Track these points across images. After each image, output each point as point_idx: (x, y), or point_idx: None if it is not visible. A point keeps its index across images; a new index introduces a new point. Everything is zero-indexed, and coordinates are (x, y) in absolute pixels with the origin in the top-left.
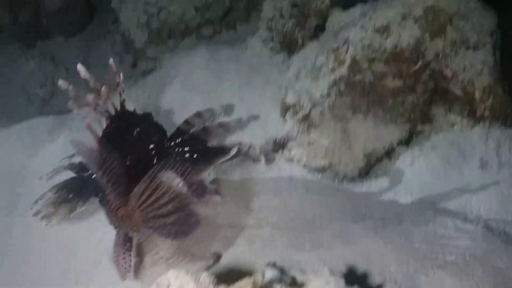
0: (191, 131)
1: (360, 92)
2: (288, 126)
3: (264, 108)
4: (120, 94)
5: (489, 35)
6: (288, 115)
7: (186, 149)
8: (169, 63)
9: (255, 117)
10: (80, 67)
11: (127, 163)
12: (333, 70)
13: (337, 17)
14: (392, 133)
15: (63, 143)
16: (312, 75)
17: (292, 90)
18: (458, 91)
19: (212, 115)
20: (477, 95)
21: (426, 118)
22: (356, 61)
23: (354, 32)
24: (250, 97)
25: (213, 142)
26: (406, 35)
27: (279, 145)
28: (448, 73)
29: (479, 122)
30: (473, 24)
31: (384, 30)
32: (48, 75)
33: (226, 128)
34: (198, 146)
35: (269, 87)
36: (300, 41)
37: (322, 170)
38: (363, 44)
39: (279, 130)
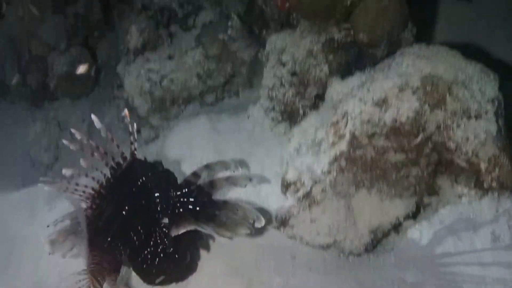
0: (198, 183)
1: (362, 167)
2: (289, 203)
3: (265, 184)
4: (131, 143)
5: (490, 102)
6: (289, 192)
7: (191, 199)
8: (171, 133)
9: (255, 193)
10: (74, 131)
11: (128, 211)
12: (333, 145)
13: (335, 88)
14: (398, 208)
15: (60, 212)
16: (313, 150)
17: (293, 167)
18: (462, 163)
19: (224, 167)
20: (483, 166)
21: (432, 190)
22: (356, 136)
23: (353, 105)
24: (251, 172)
25: (218, 196)
26: (405, 108)
27: (281, 222)
28: (451, 145)
29: (487, 193)
30: (473, 92)
31: (382, 103)
32: (53, 139)
33: (234, 183)
34: (203, 198)
35: (270, 161)
36: (301, 110)
37: (326, 247)
38: (362, 118)
39: (280, 207)
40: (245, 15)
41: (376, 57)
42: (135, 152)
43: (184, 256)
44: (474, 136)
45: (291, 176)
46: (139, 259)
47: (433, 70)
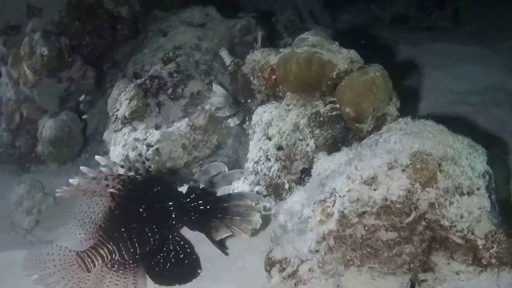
0: (201, 186)
1: (352, 246)
2: (274, 282)
3: (249, 262)
4: (143, 162)
5: (481, 177)
6: (273, 271)
7: (200, 202)
8: None
9: (239, 271)
10: (83, 168)
11: (145, 215)
12: (320, 223)
13: (322, 164)
14: (391, 285)
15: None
16: (299, 228)
17: (278, 245)
18: (458, 240)
19: (217, 169)
20: (480, 243)
21: (428, 267)
22: (345, 215)
23: (341, 183)
24: (234, 249)
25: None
26: (395, 187)
27: None
28: (445, 222)
29: (486, 269)
30: (463, 168)
31: (372, 182)
32: (36, 203)
33: (229, 178)
34: (210, 197)
35: (254, 238)
36: (286, 185)
37: None
38: (351, 197)
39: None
40: (232, 85)
41: (362, 132)
42: (150, 169)
43: (193, 262)
44: (469, 213)
45: (276, 254)
46: (153, 262)
47: (421, 147)
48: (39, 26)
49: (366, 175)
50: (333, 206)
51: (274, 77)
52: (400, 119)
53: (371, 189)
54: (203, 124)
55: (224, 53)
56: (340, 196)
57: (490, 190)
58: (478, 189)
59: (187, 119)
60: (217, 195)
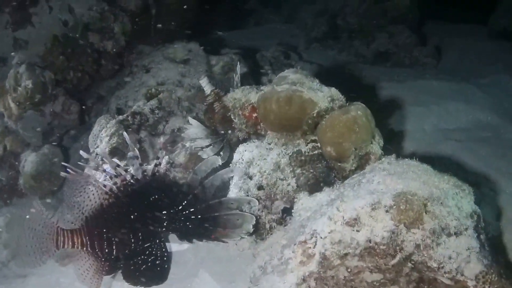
0: (194, 191)
1: (334, 287)
2: None
3: None
4: (156, 165)
5: (469, 217)
6: None
7: (192, 210)
8: None
9: None
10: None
11: (134, 218)
12: (301, 264)
13: (303, 204)
14: None
15: None
16: (279, 269)
17: (257, 286)
18: (447, 281)
19: (208, 166)
20: (470, 284)
21: None
22: (326, 257)
23: (322, 224)
24: None
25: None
26: (379, 228)
27: None
28: (433, 264)
29: None
30: (450, 208)
31: (354, 223)
32: (14, 236)
33: (220, 180)
34: (201, 204)
35: (233, 280)
36: (267, 225)
37: None
38: (332, 238)
39: None
40: (207, 115)
41: (345, 171)
42: (157, 172)
43: (165, 269)
44: (457, 254)
45: None
46: (131, 262)
47: (406, 188)
48: (25, 58)
49: (348, 216)
50: (314, 247)
51: (255, 115)
52: (383, 159)
53: (353, 230)
54: (184, 161)
55: (204, 81)
56: (321, 237)
57: (479, 230)
58: (466, 229)
59: (167, 156)
60: (209, 202)
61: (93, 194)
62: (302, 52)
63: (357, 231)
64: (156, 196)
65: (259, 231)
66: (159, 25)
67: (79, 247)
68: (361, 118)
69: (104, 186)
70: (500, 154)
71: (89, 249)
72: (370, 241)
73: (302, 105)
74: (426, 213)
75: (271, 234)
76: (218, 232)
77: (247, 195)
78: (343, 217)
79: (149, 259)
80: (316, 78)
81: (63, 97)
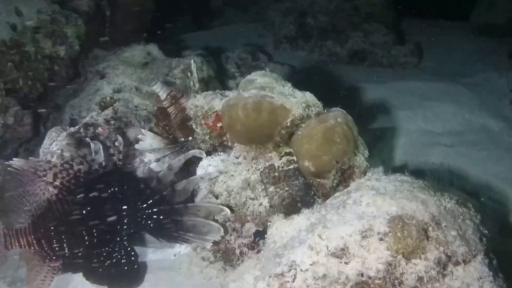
0: (164, 192)
1: None
2: None
3: None
4: (118, 152)
5: (477, 241)
6: None
7: (155, 210)
8: None
9: None
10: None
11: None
12: None
13: (278, 228)
14: None
15: None
16: None
17: None
18: None
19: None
20: None
21: None
22: None
23: (302, 255)
24: None
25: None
26: (372, 260)
27: None
28: None
29: None
30: (455, 231)
31: (341, 254)
32: None
33: (194, 183)
34: (166, 207)
35: None
36: (237, 250)
37: None
38: (315, 272)
39: None
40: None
41: (325, 188)
42: (119, 163)
43: (133, 270)
44: (467, 285)
45: None
46: (92, 263)
47: (401, 210)
48: None
49: (334, 245)
50: (293, 281)
51: (219, 125)
52: (370, 174)
53: (341, 262)
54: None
55: (157, 86)
56: (301, 270)
57: (490, 255)
58: (475, 255)
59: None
60: (174, 206)
61: (39, 188)
62: (271, 53)
63: (346, 263)
64: (117, 189)
65: (228, 257)
66: (105, 38)
67: (26, 247)
68: (342, 126)
69: (54, 178)
70: (495, 158)
71: (36, 248)
72: (362, 275)
73: (273, 112)
74: (428, 240)
75: (242, 260)
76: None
77: (213, 218)
78: (327, 246)
79: (113, 260)
80: (287, 81)
81: (14, 108)
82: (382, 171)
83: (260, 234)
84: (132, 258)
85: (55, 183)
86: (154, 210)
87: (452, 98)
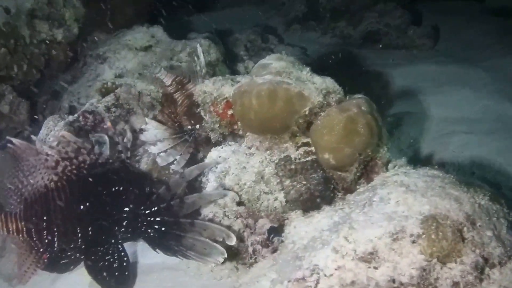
0: (172, 202)
1: None
2: None
3: None
4: (125, 148)
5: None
6: None
7: (158, 219)
8: None
9: None
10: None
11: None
12: None
13: (297, 227)
14: None
15: None
16: None
17: None
18: None
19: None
20: None
21: None
22: None
23: (326, 258)
24: None
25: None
26: (405, 264)
27: None
28: None
29: None
30: (491, 231)
31: (370, 258)
32: None
33: (206, 200)
34: (171, 219)
35: None
36: (250, 248)
37: None
38: (342, 278)
39: None
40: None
41: (345, 181)
42: (126, 160)
43: (124, 276)
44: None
45: None
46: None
47: (434, 209)
48: None
49: (362, 249)
50: (315, 287)
51: (230, 112)
52: (396, 167)
53: (370, 267)
54: (147, 169)
55: (162, 73)
56: (325, 275)
57: None
58: (510, 257)
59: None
60: (180, 219)
61: (38, 172)
62: (281, 35)
63: (375, 268)
64: (121, 189)
65: (240, 255)
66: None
67: (14, 234)
68: (365, 115)
69: (56, 164)
70: None
71: (24, 236)
72: (394, 281)
73: (290, 101)
74: (463, 242)
75: (256, 258)
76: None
77: (224, 212)
78: (355, 250)
79: (104, 261)
80: (305, 65)
81: (9, 96)
82: (405, 163)
83: (275, 231)
84: (124, 264)
85: (57, 169)
86: (157, 219)
87: (469, 83)
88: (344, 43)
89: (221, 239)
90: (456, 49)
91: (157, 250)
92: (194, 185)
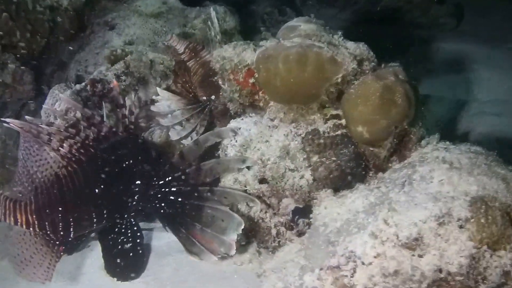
0: (185, 169)
1: None
2: None
3: None
4: (125, 116)
5: None
6: None
7: (174, 190)
8: None
9: None
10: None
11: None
12: None
13: (328, 208)
14: None
15: None
16: None
17: None
18: None
19: (217, 137)
20: None
21: None
22: None
23: (363, 244)
24: None
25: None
26: (452, 252)
27: None
28: None
29: None
30: None
31: (414, 244)
32: None
33: (225, 167)
34: (188, 188)
35: None
36: (273, 230)
37: None
38: (383, 267)
39: None
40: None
41: (378, 159)
42: (130, 126)
43: (138, 256)
44: None
45: None
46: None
47: (482, 190)
48: None
49: (406, 234)
50: (352, 276)
51: (252, 80)
52: (434, 142)
53: (414, 255)
54: (160, 143)
55: (173, 39)
56: (363, 263)
57: None
58: None
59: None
60: (198, 188)
61: (45, 158)
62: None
63: (420, 256)
64: (131, 162)
65: (262, 238)
66: None
67: (24, 226)
68: (404, 84)
69: (60, 145)
70: None
71: (36, 230)
72: (440, 271)
73: (322, 66)
74: None
75: (279, 242)
76: (193, 234)
77: (245, 190)
78: (397, 235)
79: (117, 241)
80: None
81: (12, 65)
82: (438, 139)
83: (300, 212)
84: (138, 240)
85: (62, 151)
86: (172, 189)
87: (496, 64)
88: (364, 19)
89: (244, 206)
90: (481, 30)
91: (167, 228)
92: None
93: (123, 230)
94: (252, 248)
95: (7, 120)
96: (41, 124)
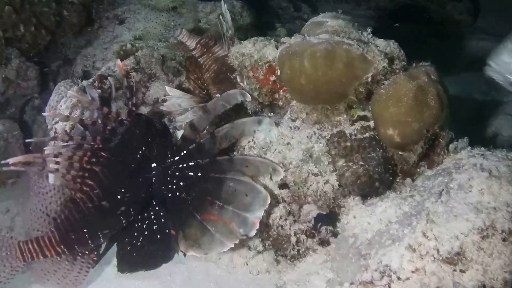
0: (198, 139)
1: None
2: None
3: None
4: (128, 99)
5: None
6: None
7: (191, 164)
8: None
9: None
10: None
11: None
12: None
13: (358, 217)
14: None
15: None
16: None
17: None
18: None
19: (227, 103)
20: None
21: None
22: None
23: (400, 258)
24: None
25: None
26: (496, 267)
27: None
28: None
29: None
30: None
31: (456, 259)
32: None
33: (241, 130)
34: (205, 159)
35: None
36: (293, 238)
37: None
38: (423, 283)
39: None
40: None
41: (407, 164)
42: (133, 110)
43: (168, 245)
44: None
45: None
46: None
47: None
48: None
49: (447, 248)
50: None
51: (272, 78)
52: (468, 148)
53: (455, 270)
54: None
55: (183, 34)
56: (399, 278)
57: None
58: None
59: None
60: (216, 158)
61: (58, 189)
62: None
63: (462, 271)
64: (143, 149)
65: (280, 245)
66: None
67: (54, 257)
68: (437, 85)
69: (71, 164)
70: None
71: (67, 253)
72: (484, 287)
73: (351, 64)
74: None
75: (299, 250)
76: (209, 215)
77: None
78: (438, 249)
79: (143, 228)
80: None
81: (17, 60)
82: (467, 144)
83: (323, 219)
84: (163, 220)
85: (73, 173)
86: (190, 163)
87: None
88: (379, 16)
89: (268, 175)
90: (496, 28)
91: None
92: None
93: (148, 222)
94: (269, 256)
95: (9, 161)
96: (45, 147)
